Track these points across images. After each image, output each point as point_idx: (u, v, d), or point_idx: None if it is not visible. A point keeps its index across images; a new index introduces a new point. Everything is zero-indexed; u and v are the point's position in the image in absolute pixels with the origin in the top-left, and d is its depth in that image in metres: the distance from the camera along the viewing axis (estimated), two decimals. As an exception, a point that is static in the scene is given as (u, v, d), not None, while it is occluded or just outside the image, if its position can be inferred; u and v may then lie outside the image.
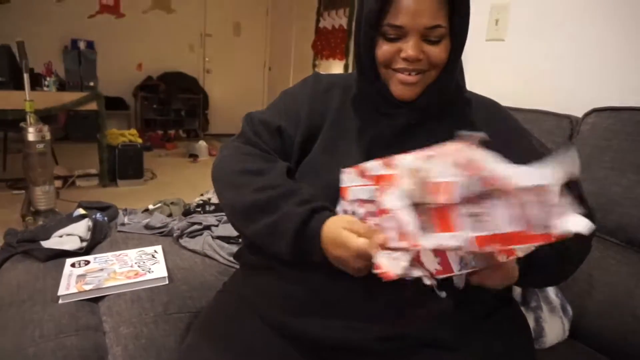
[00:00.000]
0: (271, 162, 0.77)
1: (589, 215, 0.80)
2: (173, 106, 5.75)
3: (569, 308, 1.04)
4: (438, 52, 0.70)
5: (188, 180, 4.04)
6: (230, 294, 0.85)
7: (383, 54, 0.71)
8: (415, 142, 0.76)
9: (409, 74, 0.71)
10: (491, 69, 1.71)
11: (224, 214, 1.46)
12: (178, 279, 1.12)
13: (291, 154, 0.80)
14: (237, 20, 6.18)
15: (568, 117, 1.27)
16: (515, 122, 0.83)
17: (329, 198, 0.70)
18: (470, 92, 0.84)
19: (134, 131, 3.80)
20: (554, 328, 0.99)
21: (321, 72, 0.90)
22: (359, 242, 0.61)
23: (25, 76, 2.57)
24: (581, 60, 1.41)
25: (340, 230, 0.63)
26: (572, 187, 0.79)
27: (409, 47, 0.69)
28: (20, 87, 2.78)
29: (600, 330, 1.00)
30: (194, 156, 4.91)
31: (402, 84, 0.72)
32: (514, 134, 0.80)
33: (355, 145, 0.77)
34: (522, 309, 0.90)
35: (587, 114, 1.23)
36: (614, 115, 1.15)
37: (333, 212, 0.68)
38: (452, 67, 0.74)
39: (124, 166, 3.62)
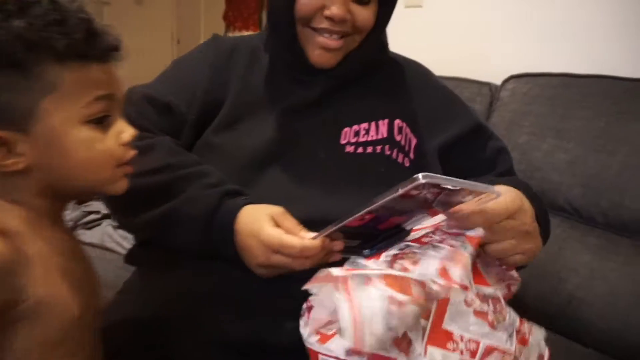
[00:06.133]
0: (152, 139, 0.64)
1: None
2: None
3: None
4: (366, 15, 0.63)
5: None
6: (132, 294, 0.72)
7: (303, 7, 0.62)
8: (334, 111, 0.68)
9: (332, 38, 0.63)
10: (409, 37, 1.67)
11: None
12: (69, 280, 0.94)
13: (182, 135, 0.68)
14: (137, -14, 5.66)
15: (488, 85, 1.27)
16: (446, 87, 0.80)
17: (234, 182, 0.60)
18: (394, 53, 0.78)
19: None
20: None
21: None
22: (274, 232, 0.51)
23: None
24: (498, 27, 1.41)
25: (263, 216, 0.53)
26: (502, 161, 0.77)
27: (334, 4, 0.60)
28: None
29: (525, 294, 1.01)
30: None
31: (321, 49, 0.64)
32: (449, 97, 0.77)
33: (264, 119, 0.67)
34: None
35: (505, 81, 1.24)
36: (531, 81, 1.16)
37: (248, 198, 0.58)
38: (378, 34, 0.68)
39: None
